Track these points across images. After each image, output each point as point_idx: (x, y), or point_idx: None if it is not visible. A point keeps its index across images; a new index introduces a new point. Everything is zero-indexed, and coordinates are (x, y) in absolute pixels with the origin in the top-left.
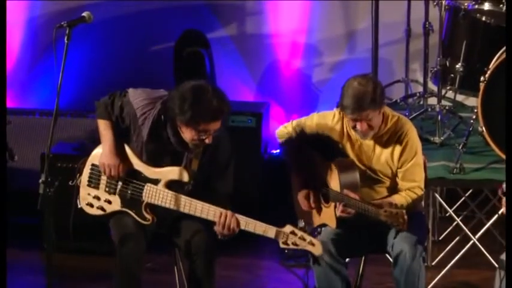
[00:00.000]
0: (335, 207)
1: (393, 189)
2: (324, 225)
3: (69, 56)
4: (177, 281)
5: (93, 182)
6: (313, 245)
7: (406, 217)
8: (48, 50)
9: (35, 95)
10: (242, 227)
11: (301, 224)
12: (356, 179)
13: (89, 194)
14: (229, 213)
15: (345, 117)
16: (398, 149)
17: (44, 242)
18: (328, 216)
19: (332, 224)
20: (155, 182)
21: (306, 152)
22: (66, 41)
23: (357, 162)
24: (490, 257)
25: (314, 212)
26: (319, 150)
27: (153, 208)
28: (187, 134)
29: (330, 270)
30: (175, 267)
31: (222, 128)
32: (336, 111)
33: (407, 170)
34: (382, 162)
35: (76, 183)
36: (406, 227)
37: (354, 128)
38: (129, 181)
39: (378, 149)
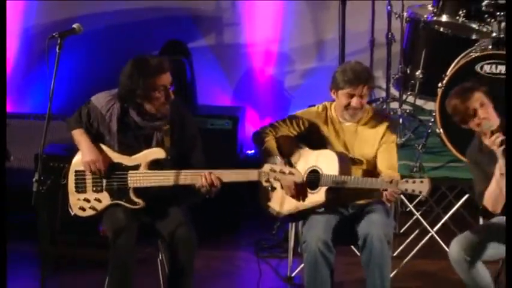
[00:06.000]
0: (326, 191)
1: (369, 171)
2: (305, 212)
3: (61, 64)
4: (160, 272)
5: (80, 187)
6: (293, 174)
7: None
8: (42, 59)
9: (29, 100)
10: (225, 180)
11: (278, 160)
12: (349, 162)
13: (78, 199)
14: (206, 172)
15: (337, 97)
16: (380, 131)
17: (38, 235)
18: (315, 200)
19: (319, 206)
20: (136, 167)
21: (293, 143)
22: (57, 51)
23: (341, 147)
24: (446, 248)
25: (290, 199)
26: (304, 141)
27: (140, 193)
28: (152, 103)
29: (320, 256)
30: (159, 259)
31: (184, 108)
32: (318, 105)
33: (387, 150)
34: (364, 145)
35: (62, 184)
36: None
37: (347, 106)
38: (112, 175)
39: (360, 134)
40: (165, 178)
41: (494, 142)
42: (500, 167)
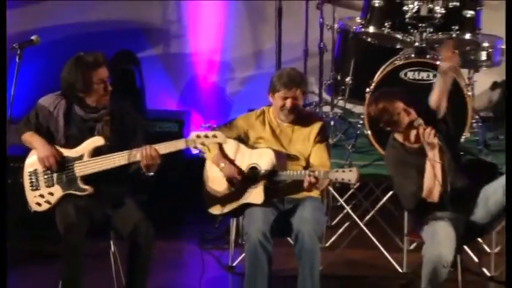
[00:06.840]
0: (264, 185)
1: (305, 168)
2: (244, 207)
3: (21, 73)
4: (113, 265)
5: (34, 185)
6: (216, 137)
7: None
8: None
9: None
10: (161, 152)
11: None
12: (285, 158)
13: (34, 196)
14: (147, 146)
15: (274, 100)
16: (314, 131)
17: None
18: (254, 195)
19: (259, 200)
20: (80, 157)
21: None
22: (17, 60)
23: (279, 146)
24: (374, 239)
25: (233, 195)
26: (244, 142)
27: (88, 181)
28: (92, 95)
29: (260, 246)
30: (111, 251)
31: (124, 103)
32: (257, 110)
33: (319, 148)
34: (300, 143)
35: (20, 182)
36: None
37: (282, 107)
38: (61, 168)
39: (296, 133)
40: (107, 161)
41: (430, 134)
42: (434, 156)
